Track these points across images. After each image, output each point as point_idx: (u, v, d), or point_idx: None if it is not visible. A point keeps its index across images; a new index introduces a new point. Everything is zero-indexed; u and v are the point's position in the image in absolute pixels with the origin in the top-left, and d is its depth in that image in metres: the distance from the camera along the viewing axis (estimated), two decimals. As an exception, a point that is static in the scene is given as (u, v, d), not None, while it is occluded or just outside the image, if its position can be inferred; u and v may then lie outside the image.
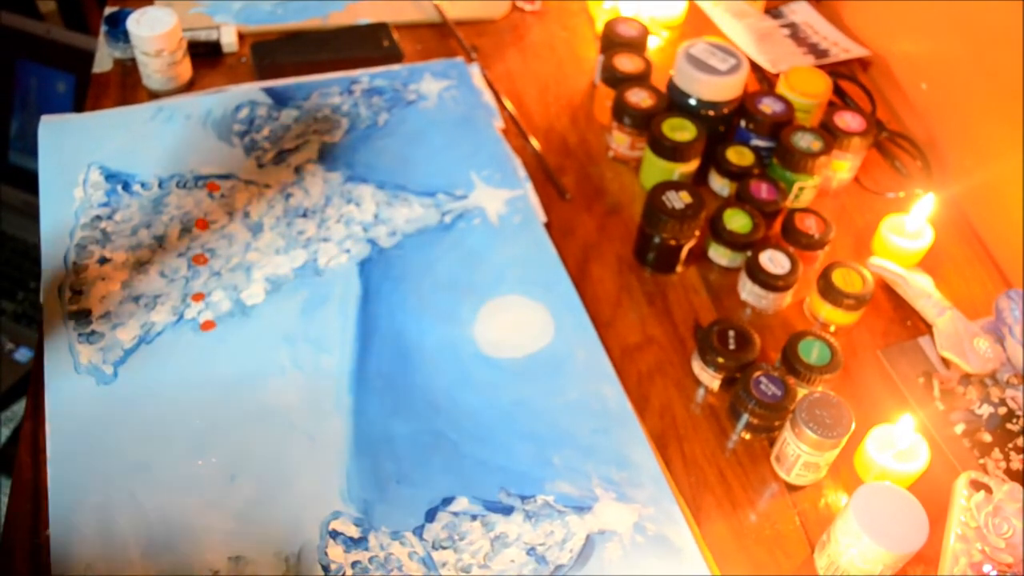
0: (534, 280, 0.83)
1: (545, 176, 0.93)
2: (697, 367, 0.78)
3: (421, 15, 1.09)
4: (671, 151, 0.88)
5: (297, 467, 0.69)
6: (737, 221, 0.85)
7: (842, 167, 0.94)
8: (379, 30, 1.05)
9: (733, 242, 0.84)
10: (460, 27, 1.09)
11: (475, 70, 1.03)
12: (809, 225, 0.85)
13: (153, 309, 0.77)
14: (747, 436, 0.75)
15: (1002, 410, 0.77)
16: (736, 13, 1.14)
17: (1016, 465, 0.74)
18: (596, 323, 0.80)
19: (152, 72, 0.94)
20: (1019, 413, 0.77)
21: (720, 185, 0.93)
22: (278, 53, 1.00)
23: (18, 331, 1.46)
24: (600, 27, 1.06)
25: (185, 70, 0.96)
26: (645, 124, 0.91)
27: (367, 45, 1.03)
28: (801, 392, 0.73)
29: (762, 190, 0.88)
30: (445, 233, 0.86)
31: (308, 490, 0.68)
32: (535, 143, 0.96)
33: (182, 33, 0.95)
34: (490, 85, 1.01)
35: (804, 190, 0.91)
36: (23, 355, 1.44)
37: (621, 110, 0.92)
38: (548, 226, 0.88)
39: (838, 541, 0.64)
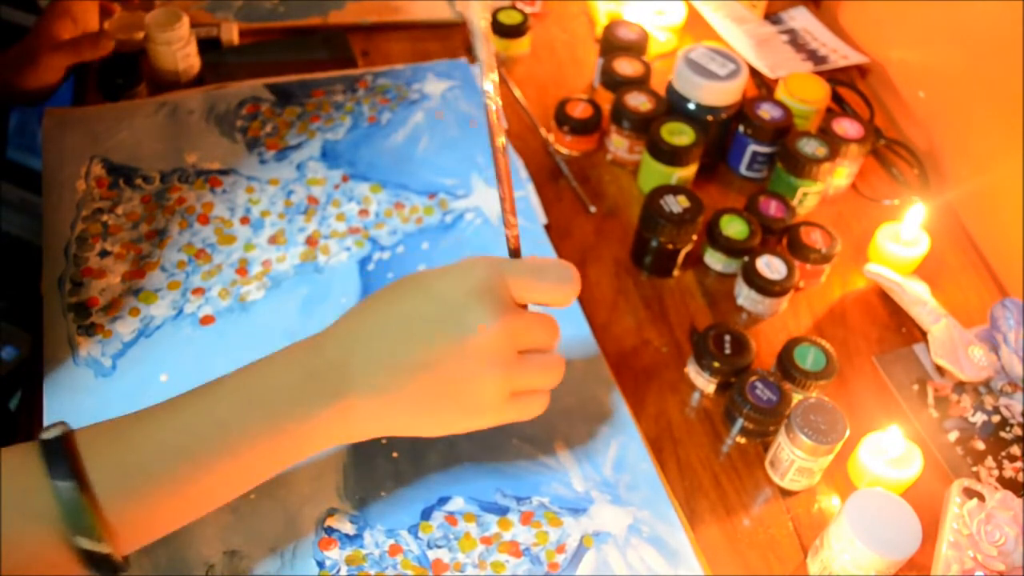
0: (532, 281, 0.83)
1: (551, 176, 0.94)
2: (693, 371, 0.78)
3: (422, 14, 1.09)
4: (669, 155, 0.89)
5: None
6: (734, 227, 0.85)
7: (840, 174, 0.94)
8: (335, 38, 1.05)
9: (730, 248, 0.85)
10: (456, 28, 1.09)
11: (478, 71, 1.03)
12: (815, 239, 0.85)
13: (153, 303, 0.77)
14: (742, 441, 0.75)
15: (996, 418, 0.78)
16: (736, 18, 1.15)
17: (1009, 473, 0.75)
18: (592, 326, 0.81)
19: (163, 65, 0.95)
20: (1013, 421, 0.78)
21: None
22: (229, 57, 1.01)
23: (7, 330, 1.45)
24: (600, 30, 1.06)
25: (195, 64, 0.97)
26: (644, 128, 0.92)
27: (321, 51, 1.04)
28: (796, 398, 0.73)
29: (771, 207, 0.88)
30: (445, 233, 0.86)
31: (305, 486, 0.68)
32: (559, 147, 0.97)
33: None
34: (505, 83, 1.02)
35: (808, 196, 0.91)
36: (8, 353, 1.43)
37: (620, 113, 0.93)
38: (546, 228, 0.88)
39: (831, 546, 0.65)
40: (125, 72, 0.93)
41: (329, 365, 0.56)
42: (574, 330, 0.80)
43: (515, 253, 0.63)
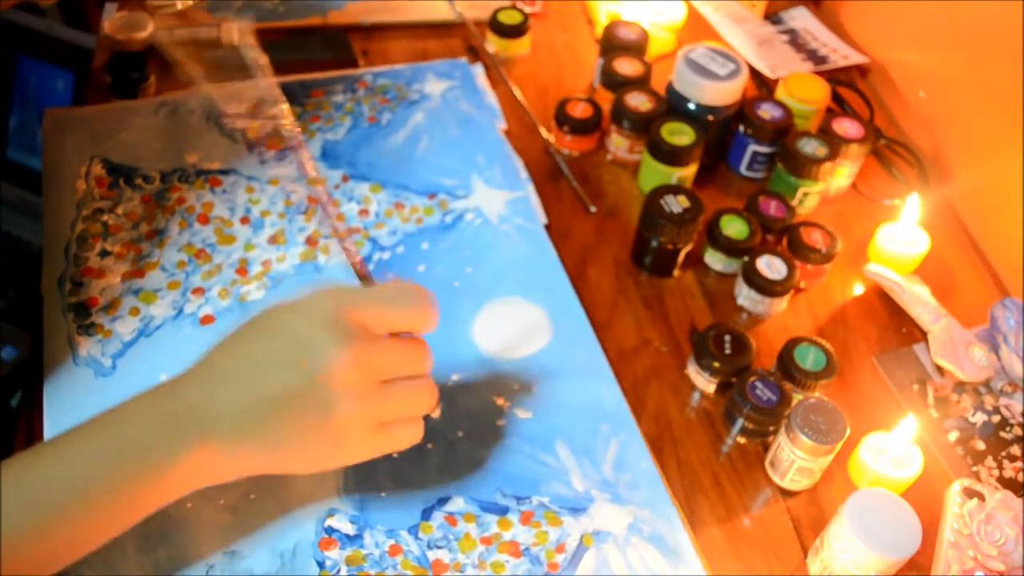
0: (534, 282, 0.83)
1: (551, 176, 0.94)
2: (693, 371, 0.78)
3: (422, 14, 1.09)
4: (670, 155, 0.89)
5: (294, 463, 0.69)
6: (734, 227, 0.85)
7: (840, 174, 0.94)
8: (335, 38, 1.05)
9: (730, 248, 0.85)
10: (456, 28, 1.09)
11: (478, 71, 1.03)
12: (816, 239, 0.85)
13: (153, 303, 0.77)
14: (742, 441, 0.75)
15: (996, 418, 0.78)
16: (736, 18, 1.15)
17: (1009, 473, 0.75)
18: (592, 326, 0.81)
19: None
20: (1013, 421, 0.78)
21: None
22: None
23: (7, 330, 1.45)
24: (600, 30, 1.06)
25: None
26: (644, 128, 0.92)
27: (321, 51, 1.04)
28: (796, 398, 0.73)
29: (771, 207, 0.88)
30: (445, 233, 0.86)
31: (305, 486, 0.68)
32: (559, 147, 0.97)
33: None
34: (505, 83, 1.02)
35: (808, 196, 0.91)
36: (8, 353, 1.42)
37: (620, 113, 0.93)
38: (546, 228, 0.88)
39: (831, 546, 0.65)
40: (135, 68, 0.94)
41: (186, 408, 0.55)
42: (576, 330, 0.80)
43: (364, 280, 0.62)
